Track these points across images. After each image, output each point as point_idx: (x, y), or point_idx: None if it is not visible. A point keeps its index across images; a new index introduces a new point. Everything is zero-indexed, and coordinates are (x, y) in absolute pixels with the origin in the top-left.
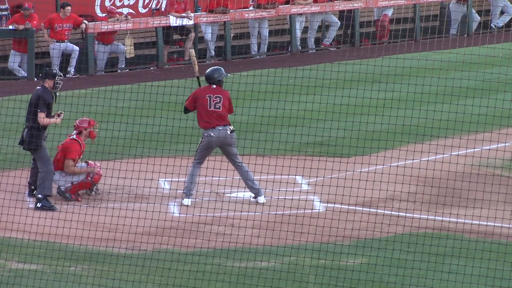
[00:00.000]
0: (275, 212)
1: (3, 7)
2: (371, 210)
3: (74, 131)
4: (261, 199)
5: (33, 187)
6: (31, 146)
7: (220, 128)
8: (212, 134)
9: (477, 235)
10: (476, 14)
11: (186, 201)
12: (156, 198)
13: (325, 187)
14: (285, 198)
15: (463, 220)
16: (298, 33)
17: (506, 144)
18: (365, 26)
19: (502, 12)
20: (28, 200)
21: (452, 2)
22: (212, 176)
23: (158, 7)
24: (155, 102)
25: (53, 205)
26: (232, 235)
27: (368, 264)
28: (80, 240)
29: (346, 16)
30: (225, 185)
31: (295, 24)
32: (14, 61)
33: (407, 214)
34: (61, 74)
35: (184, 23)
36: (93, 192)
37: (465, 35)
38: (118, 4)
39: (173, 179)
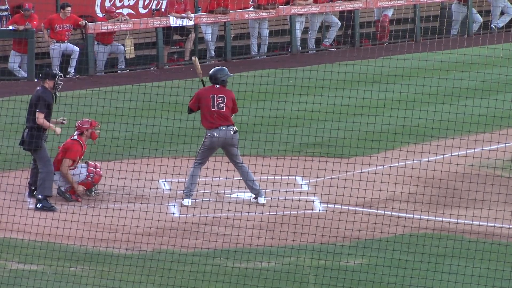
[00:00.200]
0: (275, 213)
1: (3, 7)
2: (371, 210)
3: (76, 132)
4: (261, 200)
5: (33, 188)
6: (31, 146)
7: (223, 128)
8: (215, 134)
9: (477, 235)
10: (478, 15)
11: (186, 202)
12: (156, 199)
13: (325, 188)
14: (285, 199)
15: (463, 221)
16: (298, 34)
17: (506, 144)
18: (365, 27)
19: (502, 13)
20: (28, 200)
21: (454, 3)
22: (212, 177)
23: (158, 7)
24: (155, 102)
25: (53, 206)
26: (232, 236)
27: (368, 265)
28: (80, 241)
29: (346, 17)
30: (225, 186)
31: (295, 25)
32: (14, 61)
33: (407, 215)
34: (61, 74)
35: (184, 24)
36: (93, 193)
37: (465, 36)
38: (118, 4)
39: (173, 180)
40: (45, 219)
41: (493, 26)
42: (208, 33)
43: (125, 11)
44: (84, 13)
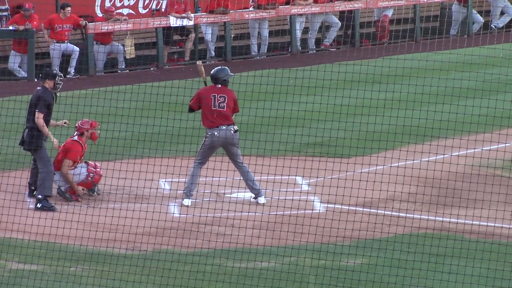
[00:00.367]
0: (275, 213)
1: (3, 7)
2: (371, 210)
3: (76, 132)
4: (262, 200)
5: (33, 188)
6: (31, 146)
7: (224, 127)
8: (215, 133)
9: (477, 235)
10: (479, 15)
11: (186, 202)
12: (156, 199)
13: (325, 188)
14: (285, 199)
15: (463, 221)
16: (298, 34)
17: (506, 144)
18: (365, 27)
19: (502, 13)
20: (28, 200)
21: (454, 3)
22: (213, 177)
23: (158, 7)
24: (155, 102)
25: (53, 206)
26: (232, 236)
27: (368, 265)
28: (80, 241)
29: (346, 17)
30: (225, 186)
31: (295, 25)
32: (14, 61)
33: (407, 215)
34: (62, 74)
35: (184, 24)
36: (95, 193)
37: (465, 36)
38: (118, 4)
39: (173, 180)
40: (45, 219)
41: (493, 26)
42: (208, 33)
43: (125, 11)
44: (84, 13)
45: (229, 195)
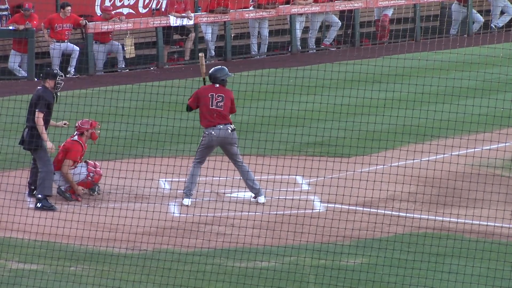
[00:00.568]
0: (275, 212)
1: (3, 7)
2: (371, 210)
3: (76, 132)
4: (261, 199)
5: (33, 187)
6: (31, 146)
7: (221, 126)
8: (213, 132)
9: (477, 235)
10: (479, 15)
11: (186, 201)
12: (156, 198)
13: (325, 187)
14: (285, 198)
15: (463, 220)
16: (298, 33)
17: (506, 144)
18: (365, 26)
19: (502, 12)
20: (28, 200)
21: (454, 3)
22: (213, 176)
23: (158, 7)
24: (155, 102)
25: (53, 205)
26: (232, 235)
27: (368, 264)
28: (80, 240)
29: (346, 16)
30: (225, 185)
31: (295, 24)
32: (14, 61)
33: (407, 214)
34: (62, 74)
35: (184, 23)
36: (95, 193)
37: (465, 35)
38: (118, 4)
39: (173, 179)
40: (45, 218)
41: (493, 26)
42: (208, 33)
43: (125, 10)
44: (84, 12)
45: (229, 195)
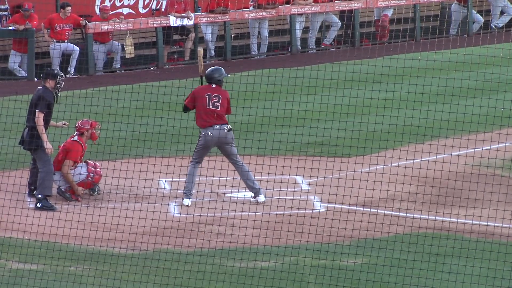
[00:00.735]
0: (275, 212)
1: (3, 7)
2: (371, 210)
3: (76, 132)
4: (261, 198)
5: (33, 188)
6: (31, 146)
7: (217, 127)
8: (209, 132)
9: (477, 235)
10: (479, 15)
11: (186, 201)
12: (156, 198)
13: (325, 187)
14: (285, 198)
15: (463, 220)
16: (298, 33)
17: (506, 144)
18: (365, 26)
19: (502, 12)
20: (28, 200)
21: (454, 3)
22: (212, 176)
23: (158, 7)
24: (155, 102)
25: (53, 205)
26: (232, 235)
27: (368, 264)
28: (80, 240)
29: (346, 16)
30: (225, 185)
31: (295, 24)
32: (14, 61)
33: (407, 214)
34: (63, 74)
35: (184, 23)
36: (96, 193)
37: (465, 36)
38: (118, 4)
39: (173, 179)
40: (45, 218)
41: (493, 26)
42: (208, 33)
43: (125, 10)
44: (84, 12)
45: (229, 195)
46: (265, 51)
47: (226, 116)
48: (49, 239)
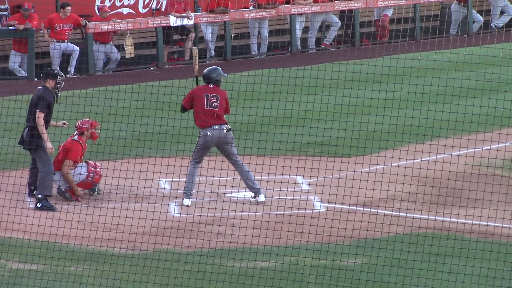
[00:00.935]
0: (275, 212)
1: (3, 7)
2: (371, 210)
3: (76, 132)
4: (261, 198)
5: (32, 188)
6: (31, 146)
7: (217, 127)
8: (208, 133)
9: (477, 235)
10: (478, 15)
11: (186, 201)
12: (156, 198)
13: (325, 187)
14: (285, 198)
15: (463, 220)
16: (298, 33)
17: (506, 144)
18: (365, 26)
19: (502, 12)
20: (28, 200)
21: (453, 3)
22: (213, 176)
23: (158, 7)
24: (156, 102)
25: (53, 205)
26: (232, 235)
27: (368, 264)
28: (80, 240)
29: (346, 16)
30: (225, 185)
31: (295, 24)
32: (15, 61)
33: (407, 214)
34: (63, 74)
35: (184, 23)
36: (96, 193)
37: (465, 35)
38: (118, 4)
39: (173, 179)
40: (45, 218)
41: (493, 26)
42: (208, 33)
43: (125, 10)
44: (84, 12)
45: (229, 195)
46: (265, 51)
47: (226, 116)
48: (49, 239)
